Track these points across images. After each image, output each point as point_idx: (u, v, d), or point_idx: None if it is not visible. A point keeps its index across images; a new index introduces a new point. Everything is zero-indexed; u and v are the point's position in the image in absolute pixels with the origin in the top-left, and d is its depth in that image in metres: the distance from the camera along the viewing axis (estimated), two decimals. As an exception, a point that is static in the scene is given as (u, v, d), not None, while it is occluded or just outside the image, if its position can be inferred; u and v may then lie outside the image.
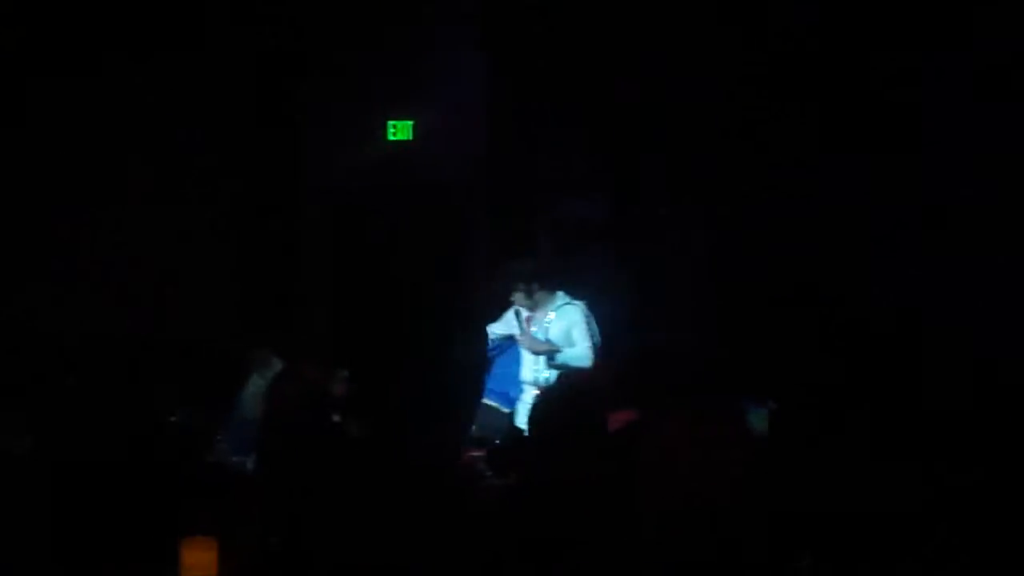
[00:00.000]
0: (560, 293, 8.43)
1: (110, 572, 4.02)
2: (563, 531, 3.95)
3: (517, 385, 8.55)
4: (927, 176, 8.71)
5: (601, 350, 8.29)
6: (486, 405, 8.66)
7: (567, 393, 5.54)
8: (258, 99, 11.23)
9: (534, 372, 8.35)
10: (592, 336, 8.28)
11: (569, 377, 7.56)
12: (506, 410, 8.50)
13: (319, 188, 11.53)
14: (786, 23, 9.52)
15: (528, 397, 8.08)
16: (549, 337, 8.29)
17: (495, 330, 8.72)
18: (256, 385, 8.49)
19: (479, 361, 8.69)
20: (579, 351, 8.25)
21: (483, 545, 3.92)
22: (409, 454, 4.11)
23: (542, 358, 8.34)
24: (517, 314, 8.42)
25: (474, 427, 8.28)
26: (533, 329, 8.38)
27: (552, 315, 8.34)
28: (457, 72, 11.12)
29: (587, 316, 8.35)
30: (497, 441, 7.50)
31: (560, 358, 8.26)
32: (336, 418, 5.91)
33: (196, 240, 11.30)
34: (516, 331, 8.41)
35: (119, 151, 10.93)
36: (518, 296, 8.38)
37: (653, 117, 10.33)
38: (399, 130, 11.27)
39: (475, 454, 7.50)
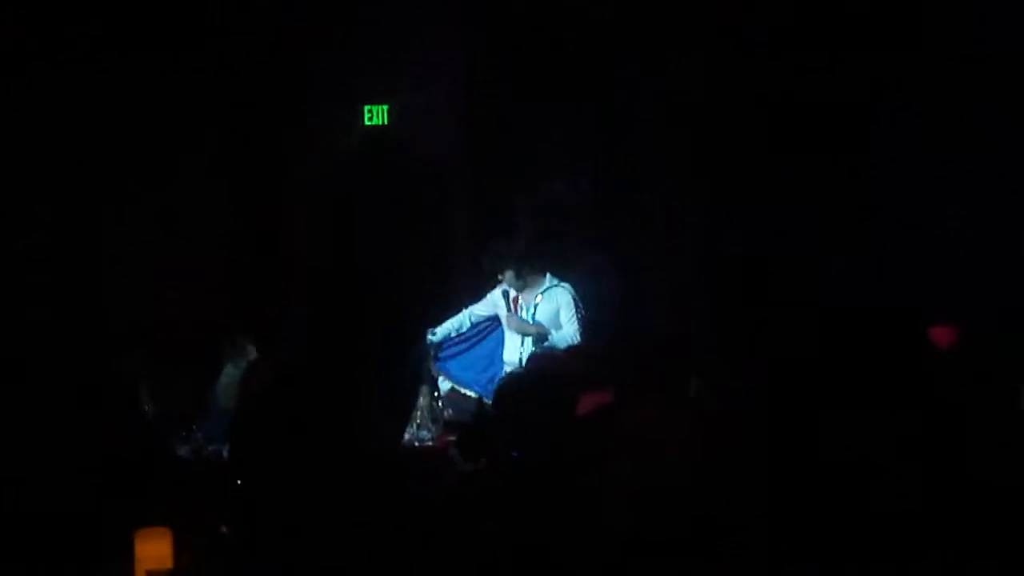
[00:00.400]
0: (548, 275, 8.39)
1: (64, 565, 3.98)
2: (529, 514, 3.91)
3: (500, 366, 8.53)
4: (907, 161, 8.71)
5: (588, 333, 8.26)
6: (459, 391, 8.64)
7: (533, 375, 5.53)
8: (238, 87, 11.15)
9: (519, 353, 8.32)
10: (580, 319, 8.25)
11: (538, 359, 7.57)
12: (475, 395, 8.48)
13: (299, 175, 11.47)
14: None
15: (509, 379, 8.05)
16: (537, 319, 8.26)
17: (477, 311, 8.69)
18: (230, 375, 8.46)
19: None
20: (567, 333, 8.23)
21: (449, 532, 3.89)
22: (371, 443, 4.05)
23: (528, 340, 8.31)
24: (505, 295, 8.39)
25: (449, 411, 8.23)
26: (519, 312, 8.35)
27: (540, 297, 8.30)
28: (435, 53, 11.06)
29: (575, 298, 8.31)
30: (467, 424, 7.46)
31: (550, 341, 8.23)
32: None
33: (179, 228, 11.24)
34: (502, 311, 8.37)
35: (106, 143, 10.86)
36: (508, 276, 8.34)
37: (636, 97, 10.28)
38: (375, 115, 11.19)
39: (449, 439, 7.48)
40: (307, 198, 11.52)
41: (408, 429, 8.25)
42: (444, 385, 8.84)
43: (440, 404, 8.52)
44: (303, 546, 3.74)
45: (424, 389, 8.70)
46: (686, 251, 10.18)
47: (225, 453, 6.74)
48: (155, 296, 10.87)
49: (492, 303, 8.59)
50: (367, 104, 11.25)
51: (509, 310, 8.36)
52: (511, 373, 7.48)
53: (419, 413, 8.36)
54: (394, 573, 3.66)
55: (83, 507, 4.19)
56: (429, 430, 8.18)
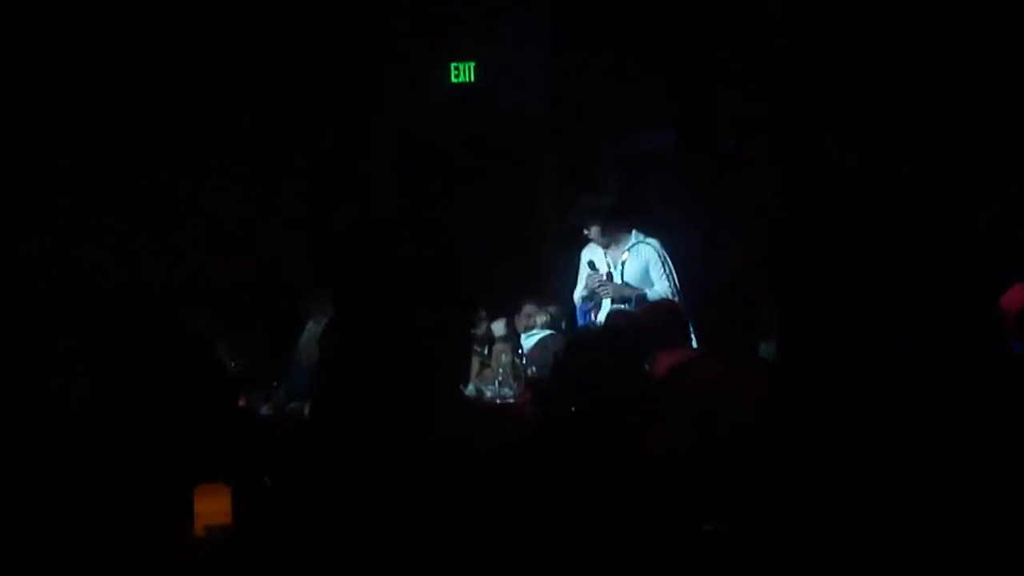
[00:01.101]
0: (633, 232, 8.25)
1: (124, 519, 4.00)
2: (580, 468, 3.87)
3: None
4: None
5: (680, 288, 8.09)
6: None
7: (606, 332, 5.48)
8: (322, 46, 11.16)
9: None
10: (670, 274, 8.09)
11: (614, 317, 7.52)
12: None
13: (386, 132, 11.47)
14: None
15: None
16: (625, 278, 8.09)
17: (580, 296, 8.44)
18: (311, 332, 8.51)
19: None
20: (660, 290, 8.05)
21: (500, 483, 3.86)
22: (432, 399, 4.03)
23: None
24: (592, 266, 8.21)
25: (532, 369, 8.20)
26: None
27: (626, 254, 8.16)
28: (519, 9, 11.00)
29: (662, 254, 8.17)
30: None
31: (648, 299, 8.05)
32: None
33: (265, 185, 11.30)
34: (596, 285, 8.16)
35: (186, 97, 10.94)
36: (594, 232, 8.18)
37: (723, 48, 10.16)
38: (462, 72, 11.15)
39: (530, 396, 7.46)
40: (390, 155, 11.51)
41: (490, 386, 8.27)
42: (527, 343, 8.80)
43: (523, 362, 8.50)
44: (360, 502, 3.74)
45: (507, 347, 8.70)
46: (767, 206, 10.04)
47: (306, 411, 6.78)
48: (237, 255, 10.95)
49: (586, 282, 8.36)
50: (453, 61, 11.20)
51: (604, 278, 8.14)
52: (584, 329, 7.43)
53: (502, 371, 8.37)
54: (443, 529, 3.64)
55: (149, 461, 4.22)
56: (511, 387, 8.19)
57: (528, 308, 8.97)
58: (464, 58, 11.15)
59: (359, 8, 11.16)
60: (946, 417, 3.21)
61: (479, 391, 8.17)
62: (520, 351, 8.78)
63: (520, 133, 11.22)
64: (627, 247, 8.14)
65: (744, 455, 3.86)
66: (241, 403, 6.49)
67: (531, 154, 11.35)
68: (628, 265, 8.12)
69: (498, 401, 7.98)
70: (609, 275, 8.13)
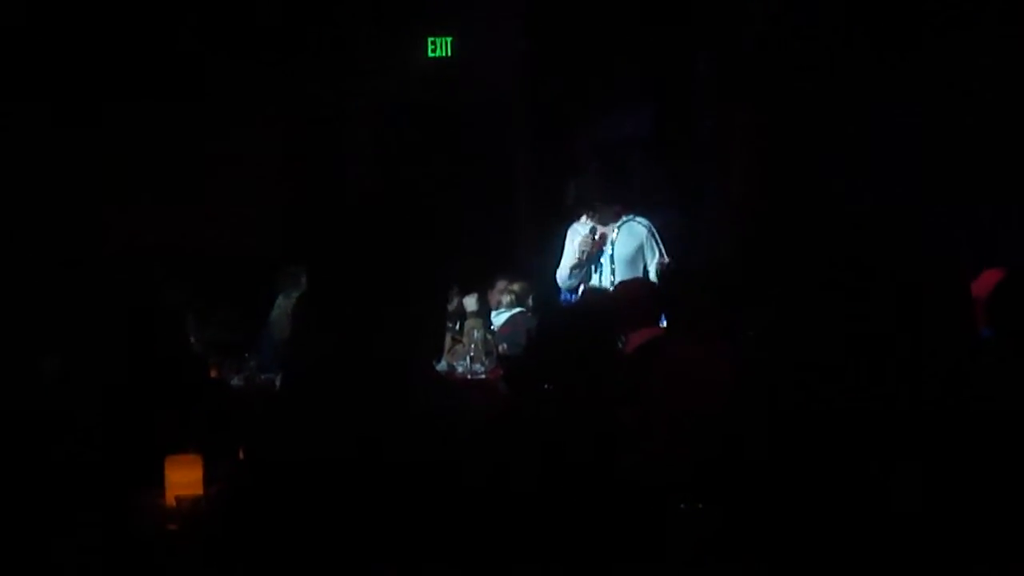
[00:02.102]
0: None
1: (95, 490, 4.00)
2: (553, 446, 3.88)
3: None
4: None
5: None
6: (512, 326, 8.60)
7: (578, 310, 5.50)
8: (298, 18, 11.12)
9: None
10: (661, 253, 8.08)
11: (588, 294, 7.53)
12: None
13: (361, 105, 11.45)
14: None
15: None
16: (617, 255, 8.06)
17: (563, 273, 8.35)
18: (282, 305, 8.52)
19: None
20: (652, 269, 8.04)
21: (472, 461, 3.87)
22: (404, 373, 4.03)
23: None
24: (593, 232, 8.12)
25: (503, 346, 8.22)
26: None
27: (616, 232, 8.12)
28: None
29: (653, 232, 8.15)
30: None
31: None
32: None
33: (239, 158, 11.27)
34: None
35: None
36: (588, 213, 8.13)
37: (696, 26, 10.17)
38: (439, 46, 11.12)
39: (502, 372, 7.48)
40: (365, 129, 11.49)
41: (462, 362, 8.28)
42: (498, 320, 8.82)
43: (494, 339, 8.53)
44: (332, 476, 3.74)
45: (479, 323, 8.72)
46: (744, 188, 10.08)
47: (278, 382, 6.79)
48: (209, 226, 10.93)
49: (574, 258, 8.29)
50: (431, 35, 11.17)
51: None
52: (557, 307, 7.44)
53: (473, 347, 8.39)
54: (414, 503, 3.65)
55: (118, 433, 4.21)
56: (483, 363, 8.21)
57: (501, 284, 8.99)
58: (442, 33, 11.12)
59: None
60: (917, 403, 3.24)
61: (451, 367, 8.19)
62: (491, 327, 8.81)
63: (496, 109, 11.20)
64: (617, 225, 8.10)
65: (716, 434, 3.89)
66: (213, 374, 6.50)
67: (507, 130, 11.33)
68: (619, 243, 8.08)
69: (469, 377, 8.00)
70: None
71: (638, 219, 8.12)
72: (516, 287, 9.00)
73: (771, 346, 3.58)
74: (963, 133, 8.52)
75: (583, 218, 8.11)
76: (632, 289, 6.75)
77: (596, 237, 7.98)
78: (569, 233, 8.20)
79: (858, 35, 9.13)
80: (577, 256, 8.00)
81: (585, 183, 8.24)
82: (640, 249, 8.02)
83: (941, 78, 8.66)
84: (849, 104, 9.11)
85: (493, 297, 9.08)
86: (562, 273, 8.14)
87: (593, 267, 8.01)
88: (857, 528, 3.06)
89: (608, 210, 8.05)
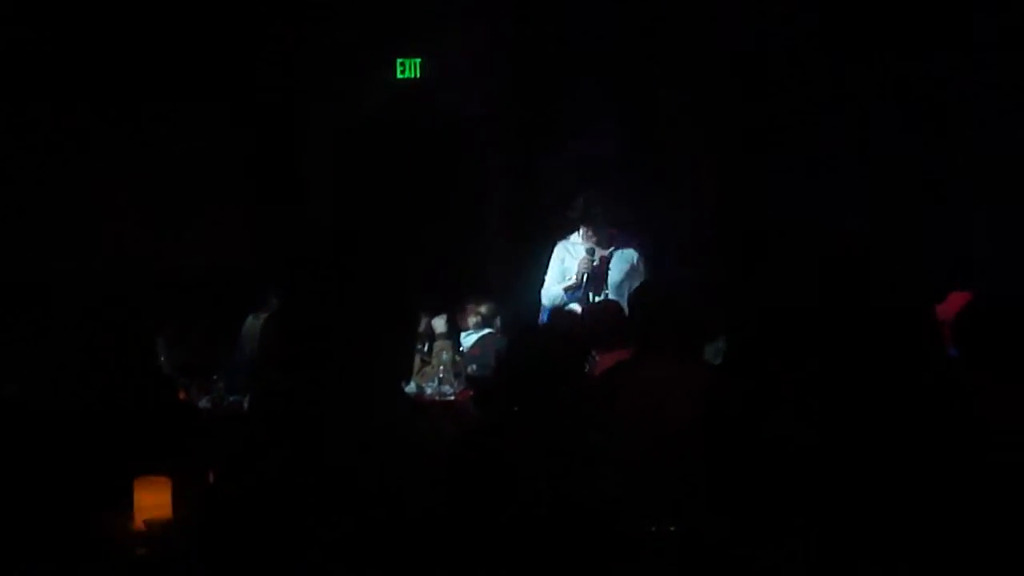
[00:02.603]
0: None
1: (64, 513, 3.98)
2: (522, 469, 3.88)
3: None
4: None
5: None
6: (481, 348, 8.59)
7: (546, 333, 5.50)
8: (264, 41, 11.11)
9: None
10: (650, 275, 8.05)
11: (556, 316, 7.54)
12: None
13: (329, 126, 11.44)
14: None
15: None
16: (610, 276, 8.03)
17: (553, 291, 8.29)
18: (252, 325, 8.49)
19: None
20: None
21: (443, 483, 3.87)
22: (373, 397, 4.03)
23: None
24: (591, 252, 8.08)
25: (472, 367, 8.22)
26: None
27: (606, 253, 8.08)
28: (467, 8, 10.98)
29: (643, 257, 8.14)
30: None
31: None
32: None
33: (208, 180, 11.23)
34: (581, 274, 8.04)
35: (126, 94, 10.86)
36: (587, 233, 8.11)
37: (667, 55, 10.22)
38: (407, 68, 11.12)
39: (471, 394, 7.49)
40: (332, 149, 11.48)
41: (430, 384, 8.28)
42: (467, 341, 8.82)
43: (463, 360, 8.53)
44: (300, 497, 3.74)
45: (447, 345, 8.71)
46: (709, 208, 10.12)
47: (246, 404, 6.77)
48: (177, 248, 10.89)
49: (561, 274, 8.22)
50: (399, 57, 11.16)
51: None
52: (527, 330, 7.44)
53: (442, 368, 8.38)
54: (385, 526, 3.65)
55: (86, 455, 4.18)
56: (451, 385, 8.21)
57: (471, 306, 8.99)
58: (410, 54, 11.13)
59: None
60: (885, 419, 3.26)
61: (420, 388, 8.18)
62: (460, 348, 8.80)
63: (465, 131, 11.20)
64: (612, 248, 8.07)
65: (686, 455, 3.89)
66: (181, 396, 6.47)
67: (476, 152, 11.33)
68: (614, 263, 8.06)
69: (438, 398, 8.00)
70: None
71: (630, 245, 8.11)
72: (483, 308, 9.01)
73: (741, 368, 3.59)
74: (925, 154, 8.60)
75: (575, 236, 8.10)
76: (604, 311, 6.78)
77: (596, 260, 7.97)
78: (557, 250, 8.18)
79: (821, 59, 9.20)
80: (576, 277, 7.97)
81: (594, 199, 8.17)
82: (630, 274, 8.01)
83: (904, 101, 8.73)
84: (811, 128, 9.19)
85: (462, 318, 9.07)
86: (552, 291, 8.10)
87: (591, 290, 7.97)
88: (831, 547, 3.07)
89: (604, 232, 8.05)
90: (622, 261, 8.04)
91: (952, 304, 4.89)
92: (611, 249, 8.04)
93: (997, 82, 8.46)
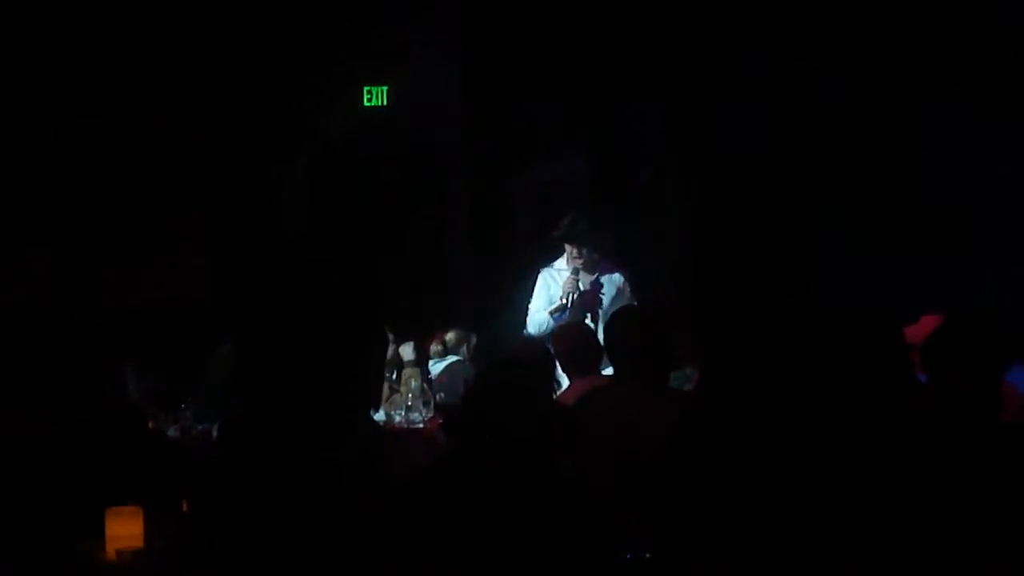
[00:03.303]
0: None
1: (36, 543, 3.97)
2: (490, 498, 3.87)
3: None
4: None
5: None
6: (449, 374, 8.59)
7: (513, 361, 5.49)
8: (234, 69, 11.10)
9: None
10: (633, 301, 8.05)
11: (522, 344, 7.54)
12: None
13: (296, 155, 11.45)
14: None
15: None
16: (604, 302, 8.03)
17: (539, 317, 8.25)
18: (221, 354, 8.45)
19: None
20: None
21: (412, 512, 3.87)
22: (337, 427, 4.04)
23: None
24: (576, 274, 8.05)
25: (441, 395, 8.22)
26: None
27: (591, 278, 8.07)
28: (434, 37, 11.02)
29: (627, 283, 8.14)
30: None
31: None
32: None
33: (176, 207, 11.20)
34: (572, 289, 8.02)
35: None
36: (572, 254, 8.09)
37: (639, 77, 10.25)
38: (375, 96, 11.14)
39: (440, 421, 7.46)
40: (300, 178, 11.48)
41: (399, 411, 8.25)
42: (435, 369, 8.81)
43: (431, 388, 8.51)
44: (271, 524, 3.74)
45: (416, 372, 8.69)
46: (680, 235, 10.15)
47: (215, 433, 6.74)
48: (145, 277, 10.85)
49: (547, 296, 8.18)
50: (367, 84, 11.18)
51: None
52: (493, 358, 7.43)
53: (411, 396, 8.36)
54: (355, 553, 3.65)
55: (56, 486, 4.18)
56: (420, 412, 8.18)
57: (439, 333, 8.99)
58: (378, 82, 11.15)
59: (272, 29, 11.12)
60: (855, 446, 3.28)
61: (388, 416, 8.15)
62: (428, 377, 8.78)
63: (432, 159, 11.23)
64: (599, 275, 8.08)
65: (659, 484, 3.89)
66: (149, 425, 6.45)
67: (444, 179, 11.36)
68: (605, 288, 8.05)
69: (407, 426, 7.97)
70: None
71: (615, 270, 8.12)
72: (450, 335, 9.02)
73: (714, 393, 3.61)
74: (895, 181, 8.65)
75: (559, 261, 8.10)
76: (572, 335, 6.76)
77: (586, 285, 7.95)
78: (542, 277, 8.15)
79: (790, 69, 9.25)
80: (562, 298, 7.95)
81: (579, 217, 8.16)
82: (615, 298, 8.00)
83: (875, 125, 8.77)
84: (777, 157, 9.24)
85: (430, 345, 9.07)
86: (537, 318, 8.08)
87: (585, 316, 7.94)
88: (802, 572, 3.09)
89: (590, 254, 8.04)
90: (610, 285, 8.05)
91: (923, 327, 4.91)
92: (597, 275, 8.04)
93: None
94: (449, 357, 8.93)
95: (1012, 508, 3.33)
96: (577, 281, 7.98)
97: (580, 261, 8.01)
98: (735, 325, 3.68)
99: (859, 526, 3.19)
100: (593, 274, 8.07)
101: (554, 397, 5.13)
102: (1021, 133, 8.17)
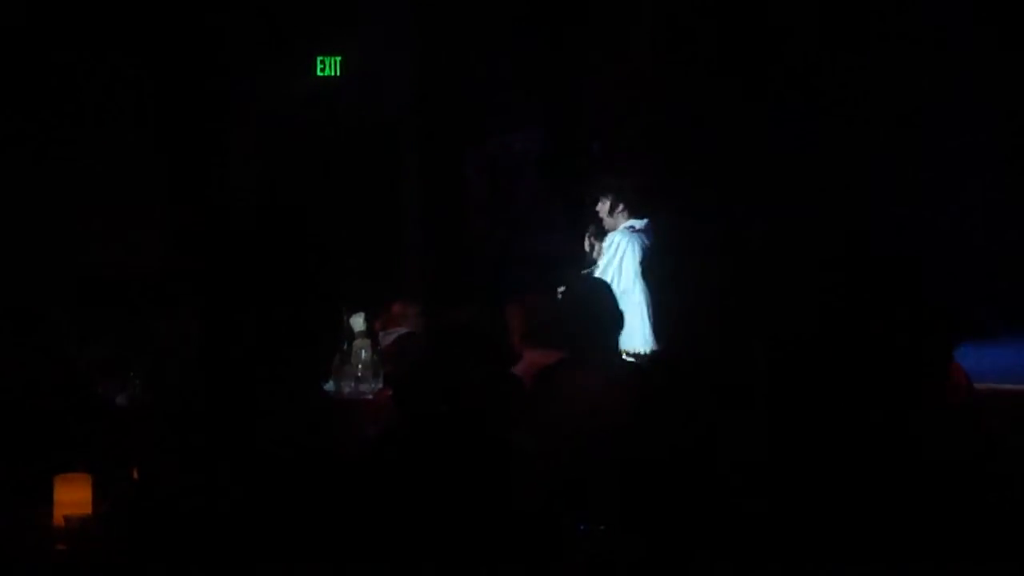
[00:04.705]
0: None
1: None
2: (443, 470, 3.86)
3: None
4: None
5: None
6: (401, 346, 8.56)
7: (467, 332, 5.48)
8: (182, 35, 11.00)
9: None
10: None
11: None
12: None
13: (245, 126, 11.36)
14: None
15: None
16: (623, 265, 7.97)
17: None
18: (172, 322, 8.38)
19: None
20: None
21: (362, 484, 3.85)
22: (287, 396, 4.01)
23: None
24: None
25: (390, 366, 8.19)
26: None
27: (627, 241, 8.02)
28: (387, 6, 10.96)
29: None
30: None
31: None
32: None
33: (125, 175, 11.11)
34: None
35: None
36: (603, 207, 8.04)
37: (593, 50, 10.23)
38: (327, 65, 11.06)
39: (389, 393, 7.44)
40: (251, 147, 11.40)
41: (348, 383, 8.22)
42: (386, 340, 8.78)
43: (380, 359, 8.48)
44: (219, 493, 3.71)
45: (366, 343, 8.66)
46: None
47: (162, 401, 6.68)
48: (95, 244, 10.76)
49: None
50: (320, 55, 11.10)
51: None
52: (446, 329, 7.41)
53: (360, 367, 8.33)
54: (305, 525, 3.63)
55: (2, 452, 4.14)
56: (369, 384, 8.16)
57: (391, 304, 8.96)
58: (330, 52, 11.07)
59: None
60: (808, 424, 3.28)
61: (338, 387, 8.13)
62: (377, 348, 8.76)
63: (385, 129, 11.18)
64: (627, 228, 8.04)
65: (615, 454, 3.90)
66: (98, 392, 6.40)
67: (396, 150, 11.31)
68: (632, 251, 8.01)
69: (357, 397, 7.95)
70: None
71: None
72: (399, 307, 8.99)
73: (671, 369, 3.61)
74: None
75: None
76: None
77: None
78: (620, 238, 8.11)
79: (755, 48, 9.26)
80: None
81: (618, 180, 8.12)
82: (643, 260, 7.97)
83: (844, 98, 8.78)
84: (735, 128, 9.23)
85: (381, 316, 9.03)
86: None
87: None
88: (761, 547, 3.08)
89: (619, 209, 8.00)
90: (640, 248, 8.02)
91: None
92: (626, 227, 8.01)
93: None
94: (400, 328, 8.90)
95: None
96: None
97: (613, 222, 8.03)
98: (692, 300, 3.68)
99: (806, 494, 3.19)
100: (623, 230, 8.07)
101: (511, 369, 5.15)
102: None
